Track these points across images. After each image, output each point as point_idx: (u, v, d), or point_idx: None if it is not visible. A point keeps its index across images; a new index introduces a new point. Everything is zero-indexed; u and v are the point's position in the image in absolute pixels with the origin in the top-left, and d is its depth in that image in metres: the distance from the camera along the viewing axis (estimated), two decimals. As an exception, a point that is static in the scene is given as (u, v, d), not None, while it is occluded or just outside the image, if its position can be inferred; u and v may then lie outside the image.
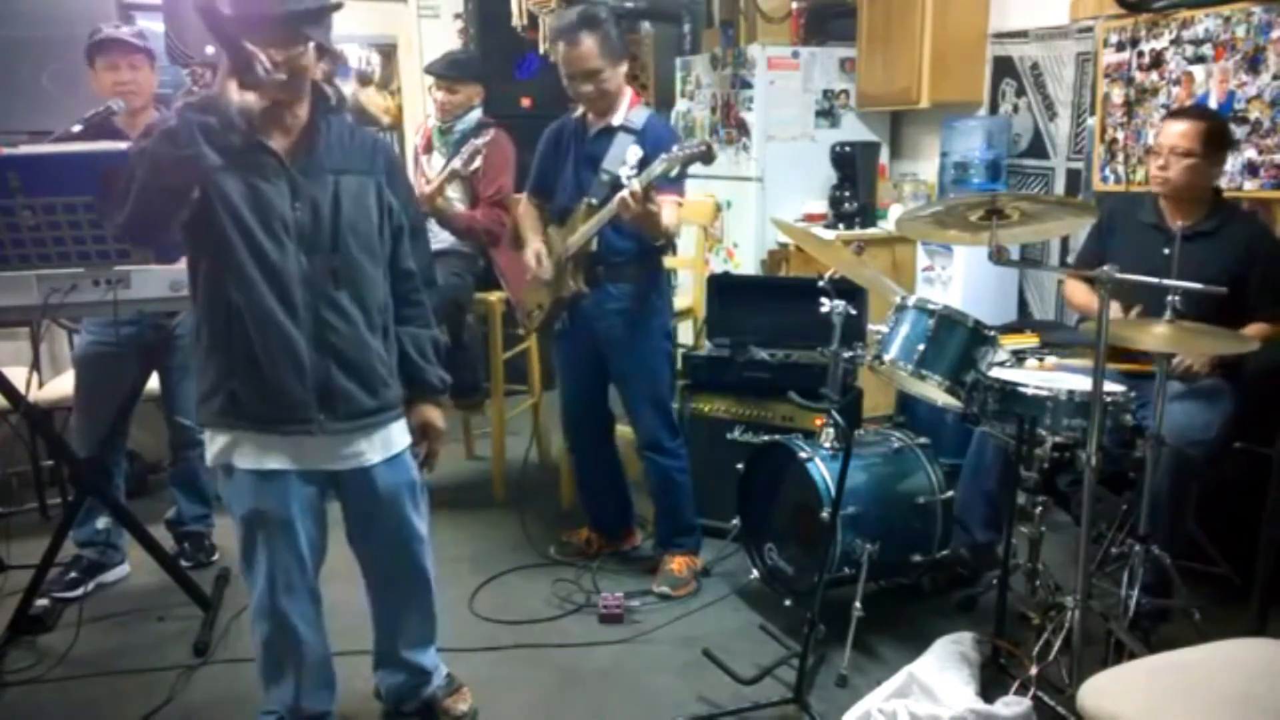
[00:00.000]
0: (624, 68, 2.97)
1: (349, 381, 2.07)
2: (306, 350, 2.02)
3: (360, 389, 2.09)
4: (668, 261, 3.19)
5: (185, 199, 1.89)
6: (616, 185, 2.77)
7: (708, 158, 2.70)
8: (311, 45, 1.96)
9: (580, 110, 3.04)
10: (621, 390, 3.13)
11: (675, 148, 2.68)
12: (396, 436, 2.19)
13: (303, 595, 2.16)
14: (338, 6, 2.01)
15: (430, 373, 2.26)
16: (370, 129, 3.04)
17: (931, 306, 2.51)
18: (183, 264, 2.66)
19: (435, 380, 2.27)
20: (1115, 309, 2.74)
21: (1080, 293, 3.16)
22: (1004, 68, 4.32)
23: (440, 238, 3.64)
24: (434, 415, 2.30)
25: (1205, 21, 3.36)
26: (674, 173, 2.67)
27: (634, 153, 2.83)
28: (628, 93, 2.98)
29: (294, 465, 2.08)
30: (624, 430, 3.35)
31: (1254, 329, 2.77)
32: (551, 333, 3.16)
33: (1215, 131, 2.83)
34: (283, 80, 1.91)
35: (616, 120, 2.94)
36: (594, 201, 2.88)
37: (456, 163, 3.52)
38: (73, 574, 3.09)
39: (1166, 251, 2.81)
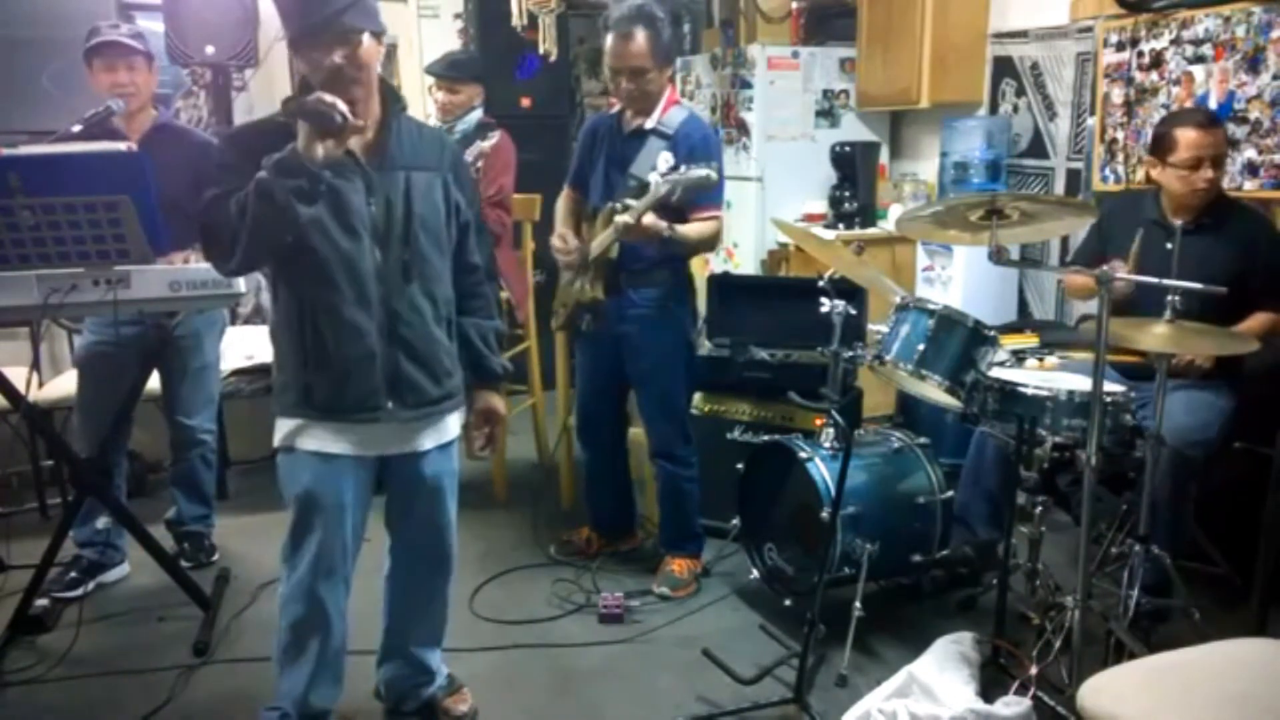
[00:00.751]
0: (670, 70, 2.94)
1: (417, 371, 2.14)
2: (378, 341, 2.09)
3: (427, 378, 2.16)
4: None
5: (285, 243, 1.99)
6: (644, 190, 2.74)
7: (707, 185, 2.68)
8: (366, 35, 1.98)
9: (618, 107, 3.02)
10: (638, 395, 3.12)
11: (683, 167, 2.66)
12: (451, 425, 2.28)
13: (340, 582, 2.19)
14: None
15: (494, 361, 2.35)
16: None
17: (931, 306, 2.50)
18: (182, 264, 2.70)
19: (498, 368, 2.37)
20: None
21: (1077, 277, 3.16)
22: (1004, 68, 4.32)
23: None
24: (497, 401, 2.39)
25: (1205, 21, 3.36)
26: (675, 195, 2.66)
27: (665, 159, 2.80)
28: (666, 91, 2.94)
29: (356, 451, 2.13)
30: (636, 432, 3.34)
31: (1255, 320, 2.78)
32: (575, 333, 3.15)
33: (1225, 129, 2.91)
34: (361, 125, 1.97)
35: (650, 123, 2.91)
36: (618, 207, 2.82)
37: None
38: (73, 574, 3.08)
39: (1169, 247, 2.81)
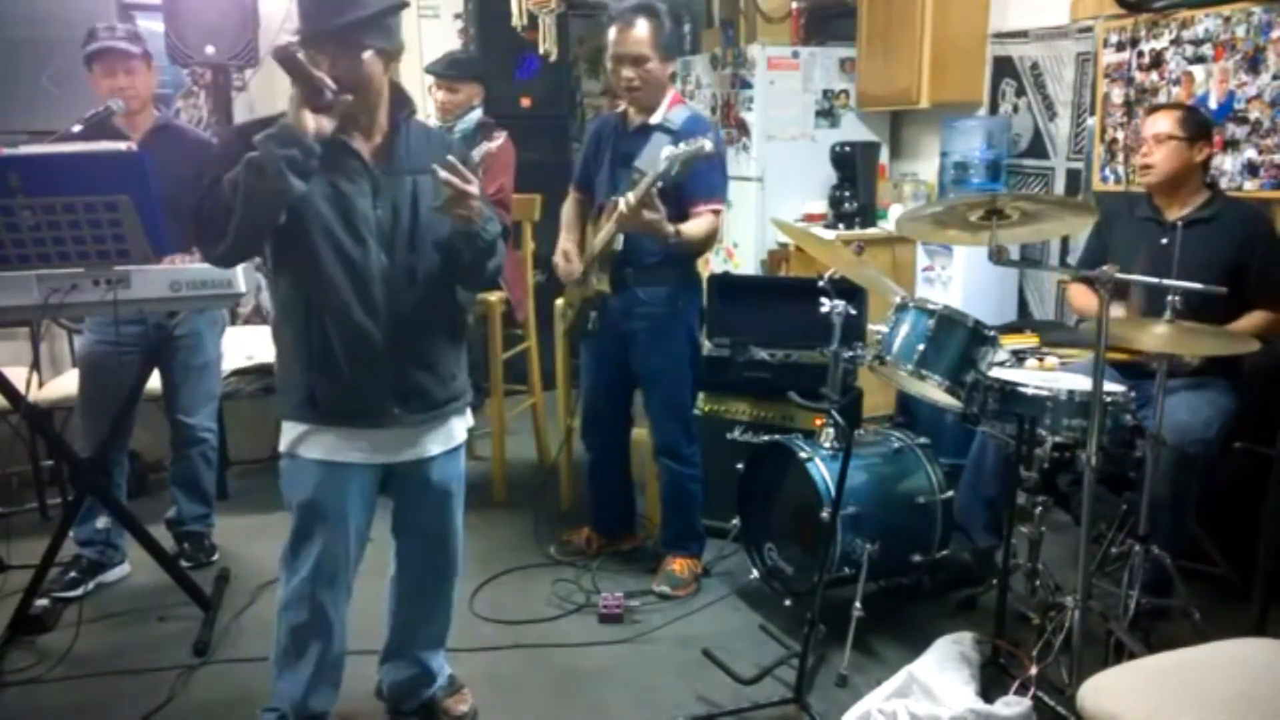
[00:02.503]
0: (672, 66, 2.96)
1: (425, 376, 2.14)
2: (385, 347, 2.07)
3: (435, 382, 2.16)
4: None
5: (276, 222, 1.96)
6: None
7: (705, 156, 2.68)
8: (370, 52, 1.97)
9: (623, 107, 3.03)
10: (645, 393, 3.12)
11: (682, 144, 2.66)
12: (457, 430, 2.27)
13: (341, 589, 2.20)
14: (397, 8, 2.02)
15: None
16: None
17: (931, 306, 2.50)
18: (183, 264, 2.69)
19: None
20: (1118, 309, 2.74)
21: (1082, 296, 3.15)
22: (1004, 68, 4.32)
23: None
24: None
25: (1205, 21, 3.36)
26: (674, 171, 2.65)
27: (669, 152, 2.79)
28: (670, 93, 2.96)
29: (363, 458, 2.12)
30: (639, 432, 3.34)
31: (1251, 319, 2.78)
32: (582, 333, 3.13)
33: (1191, 116, 2.89)
34: (350, 100, 1.95)
35: (655, 119, 2.93)
36: (617, 201, 2.82)
37: None
38: (73, 574, 3.08)
39: (1165, 241, 2.82)
